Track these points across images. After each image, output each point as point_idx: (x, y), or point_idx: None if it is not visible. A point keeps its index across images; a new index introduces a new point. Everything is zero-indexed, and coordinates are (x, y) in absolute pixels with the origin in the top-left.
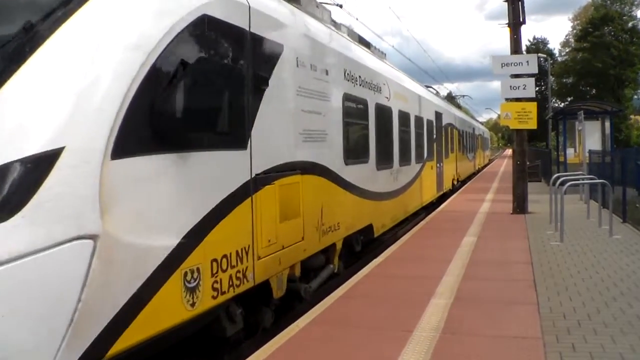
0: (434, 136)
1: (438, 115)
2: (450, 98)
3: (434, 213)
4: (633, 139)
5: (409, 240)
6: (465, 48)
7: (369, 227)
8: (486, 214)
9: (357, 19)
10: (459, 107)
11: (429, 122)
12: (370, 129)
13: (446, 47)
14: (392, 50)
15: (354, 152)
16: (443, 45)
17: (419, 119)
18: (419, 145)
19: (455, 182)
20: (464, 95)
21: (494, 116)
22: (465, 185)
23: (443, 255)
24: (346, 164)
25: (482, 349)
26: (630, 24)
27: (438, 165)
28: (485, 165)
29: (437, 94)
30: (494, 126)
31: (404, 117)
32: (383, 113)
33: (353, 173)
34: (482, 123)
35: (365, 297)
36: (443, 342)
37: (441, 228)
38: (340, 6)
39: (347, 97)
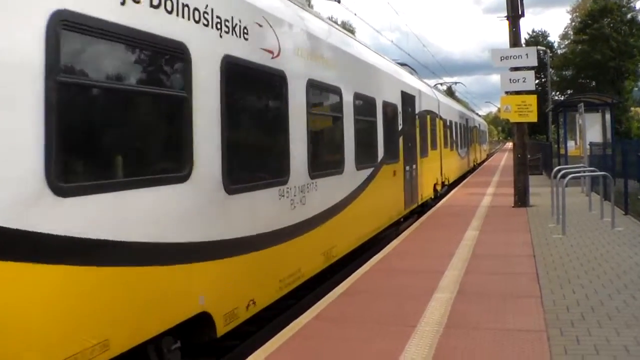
0: (400, 127)
1: (407, 99)
2: (450, 93)
3: (435, 207)
4: (633, 131)
5: (411, 234)
6: (464, 42)
7: (202, 319)
8: (488, 208)
9: (355, 14)
10: (451, 96)
11: (389, 106)
12: (199, 108)
13: (445, 41)
14: (391, 45)
15: (123, 158)
16: (441, 39)
17: (366, 101)
18: (367, 141)
19: (440, 188)
20: (456, 83)
21: (494, 110)
22: (465, 180)
23: (445, 250)
24: (64, 194)
25: (485, 343)
26: (629, 16)
27: (408, 167)
28: (483, 161)
29: (434, 85)
30: (494, 119)
31: (325, 92)
32: (256, 80)
33: (115, 211)
34: (480, 115)
35: (368, 292)
36: (447, 337)
37: (443, 222)
38: (339, 1)
39: (67, 19)
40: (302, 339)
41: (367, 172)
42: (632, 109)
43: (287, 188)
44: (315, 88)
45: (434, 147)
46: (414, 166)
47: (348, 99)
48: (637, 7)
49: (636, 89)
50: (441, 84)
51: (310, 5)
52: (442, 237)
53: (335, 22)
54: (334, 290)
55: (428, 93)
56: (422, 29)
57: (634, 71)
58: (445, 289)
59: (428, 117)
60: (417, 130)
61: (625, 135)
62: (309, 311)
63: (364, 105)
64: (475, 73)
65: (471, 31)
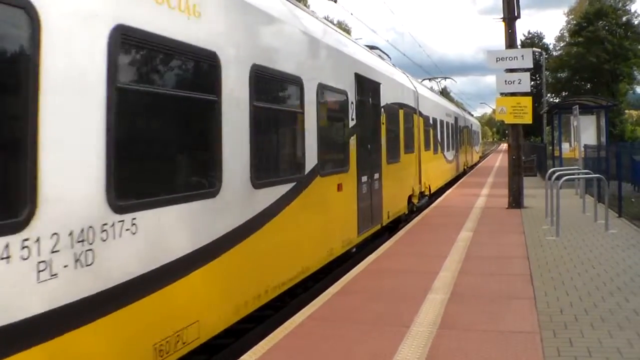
0: (352, 123)
1: (367, 86)
2: (445, 93)
3: (428, 209)
4: (627, 134)
5: (405, 235)
6: (459, 43)
7: None
8: (482, 209)
9: (351, 14)
10: (446, 96)
11: (332, 94)
12: None
13: (440, 42)
14: (387, 44)
15: None
16: (437, 40)
17: (279, 80)
18: (280, 143)
19: (417, 200)
20: (446, 78)
21: (489, 111)
22: (460, 181)
23: (439, 251)
24: None
25: (479, 344)
26: (624, 19)
27: (365, 178)
28: (476, 164)
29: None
30: (488, 121)
31: (175, 58)
32: None
33: None
34: (473, 115)
35: (362, 292)
36: (440, 338)
37: (437, 223)
38: (335, 1)
39: None
40: (296, 338)
41: (279, 190)
42: (626, 111)
43: (25, 240)
44: (143, 47)
45: (409, 149)
46: (377, 175)
47: (236, 75)
48: (632, 10)
49: (630, 91)
50: (430, 79)
51: (307, 5)
52: (436, 238)
53: (332, 22)
54: (327, 290)
55: (401, 82)
56: (418, 29)
57: (628, 74)
58: (439, 290)
59: (401, 112)
60: (383, 128)
61: (619, 137)
62: (302, 311)
63: (276, 86)
64: (470, 74)
65: (467, 32)
